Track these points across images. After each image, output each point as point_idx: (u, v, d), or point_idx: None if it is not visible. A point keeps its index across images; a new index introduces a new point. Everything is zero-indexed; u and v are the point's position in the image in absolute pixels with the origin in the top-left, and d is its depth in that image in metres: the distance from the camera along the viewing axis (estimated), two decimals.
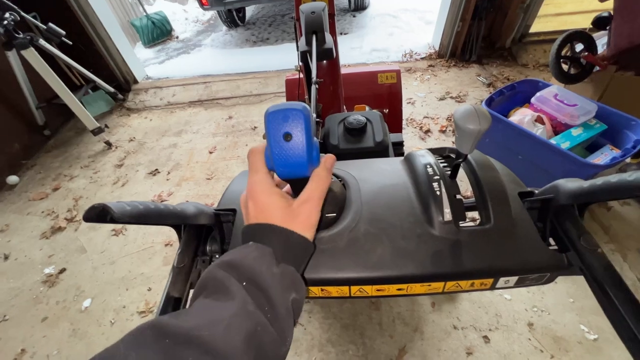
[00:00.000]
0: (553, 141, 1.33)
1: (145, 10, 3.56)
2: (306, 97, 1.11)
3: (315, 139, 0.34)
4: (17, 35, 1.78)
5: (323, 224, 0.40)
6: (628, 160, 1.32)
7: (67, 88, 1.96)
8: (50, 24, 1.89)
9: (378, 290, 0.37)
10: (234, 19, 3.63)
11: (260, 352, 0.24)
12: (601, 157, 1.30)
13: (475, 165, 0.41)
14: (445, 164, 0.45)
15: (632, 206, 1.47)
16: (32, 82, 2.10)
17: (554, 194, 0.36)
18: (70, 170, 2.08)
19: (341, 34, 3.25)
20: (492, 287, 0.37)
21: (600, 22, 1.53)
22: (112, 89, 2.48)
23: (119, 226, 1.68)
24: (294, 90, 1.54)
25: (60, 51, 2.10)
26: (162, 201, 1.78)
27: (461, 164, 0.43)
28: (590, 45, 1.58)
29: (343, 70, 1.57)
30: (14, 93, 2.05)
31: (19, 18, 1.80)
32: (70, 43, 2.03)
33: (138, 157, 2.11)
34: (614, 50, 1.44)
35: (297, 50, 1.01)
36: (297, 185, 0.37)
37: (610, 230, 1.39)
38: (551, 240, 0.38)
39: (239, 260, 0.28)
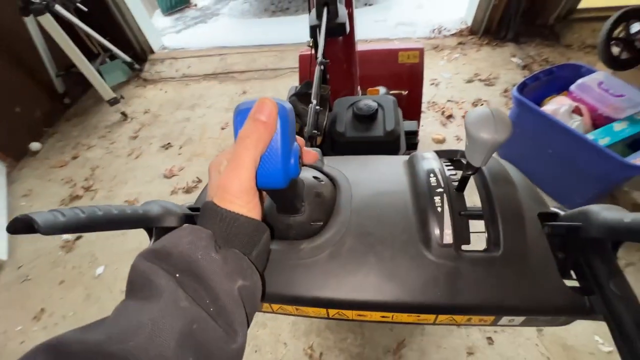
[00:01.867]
0: (590, 136, 1.20)
1: None
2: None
3: (296, 144, 0.29)
4: (33, 0, 1.76)
5: (307, 233, 0.36)
6: None
7: (83, 56, 1.95)
8: None
9: (359, 315, 0.33)
10: None
11: (201, 353, 0.20)
12: None
13: (488, 177, 0.34)
14: (454, 172, 0.38)
15: None
16: (51, 50, 2.11)
17: (584, 222, 0.29)
18: (89, 140, 2.12)
19: (365, 4, 3.03)
20: (493, 324, 0.32)
21: None
22: (128, 59, 2.46)
23: (131, 198, 1.72)
24: (308, 66, 1.45)
25: (78, 18, 2.08)
26: (172, 175, 1.80)
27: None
28: None
29: (361, 47, 1.45)
30: (34, 61, 2.07)
31: None
32: (86, 9, 2.00)
33: (152, 130, 2.12)
34: None
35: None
36: (276, 196, 0.32)
37: None
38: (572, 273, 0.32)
39: (169, 248, 0.23)
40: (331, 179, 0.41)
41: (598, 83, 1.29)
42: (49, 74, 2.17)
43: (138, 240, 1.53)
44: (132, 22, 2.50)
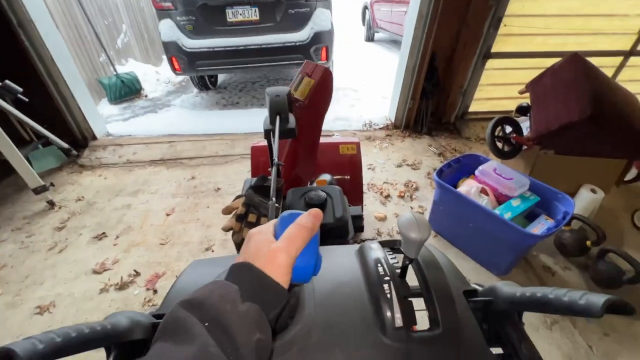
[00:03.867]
0: (497, 211, 1.46)
1: (115, 70, 3.63)
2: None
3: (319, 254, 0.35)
4: None
5: (274, 329, 0.38)
6: (562, 227, 1.48)
7: (11, 143, 1.82)
8: (7, 82, 1.83)
9: None
10: (205, 83, 3.82)
11: None
12: (539, 227, 1.44)
13: (422, 264, 0.43)
14: (396, 260, 0.46)
15: (573, 271, 1.60)
16: None
17: (493, 297, 0.38)
18: None
19: None
20: None
21: (521, 110, 1.84)
22: (65, 145, 2.35)
23: (45, 302, 1.45)
24: (259, 157, 1.58)
25: (14, 107, 2.01)
26: (104, 270, 1.60)
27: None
28: (517, 128, 1.86)
29: None
30: None
31: None
32: (27, 100, 1.96)
33: (84, 219, 1.93)
34: (535, 134, 1.70)
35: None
36: None
37: None
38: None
39: (203, 299, 0.27)
40: None
41: (493, 169, 1.64)
42: None
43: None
44: (76, 111, 2.49)
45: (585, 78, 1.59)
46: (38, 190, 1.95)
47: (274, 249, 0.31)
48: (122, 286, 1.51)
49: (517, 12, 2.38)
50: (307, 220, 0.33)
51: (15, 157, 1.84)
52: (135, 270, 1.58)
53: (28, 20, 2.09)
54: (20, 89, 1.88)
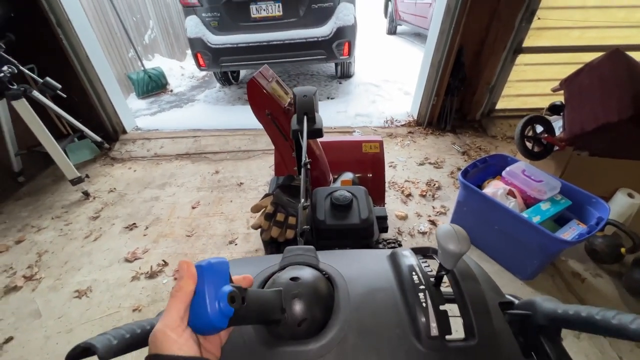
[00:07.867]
0: (525, 214, 1.41)
1: (143, 65, 3.75)
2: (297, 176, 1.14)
3: (227, 287, 0.31)
4: (10, 86, 1.81)
5: (310, 330, 0.40)
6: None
7: (52, 137, 1.94)
8: (47, 79, 1.94)
9: None
10: (228, 78, 3.88)
11: None
12: (569, 232, 1.38)
13: (458, 274, 0.43)
14: (429, 268, 0.47)
15: (604, 278, 1.53)
16: (15, 129, 2.09)
17: (532, 312, 0.38)
18: (39, 221, 1.96)
19: (328, 98, 3.51)
20: None
21: (554, 109, 1.75)
22: (99, 139, 2.48)
23: (83, 287, 1.55)
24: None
25: (53, 102, 2.14)
26: (135, 259, 1.69)
27: None
28: (549, 128, 1.78)
29: (331, 138, 1.67)
30: None
31: (16, 71, 1.86)
32: (65, 96, 2.07)
33: (116, 210, 2.04)
34: (569, 135, 1.62)
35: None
36: (244, 322, 0.34)
37: (586, 304, 1.42)
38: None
39: None
40: (325, 274, 0.47)
41: (522, 170, 1.58)
42: (9, 152, 2.10)
43: (85, 338, 1.34)
44: (108, 106, 2.61)
45: (627, 75, 1.50)
46: (75, 182, 2.07)
47: (154, 332, 0.29)
48: (152, 275, 1.59)
49: (553, 4, 2.26)
50: (176, 286, 0.31)
51: (56, 150, 1.96)
52: (163, 260, 1.66)
53: (66, 20, 2.20)
54: (59, 86, 1.99)
